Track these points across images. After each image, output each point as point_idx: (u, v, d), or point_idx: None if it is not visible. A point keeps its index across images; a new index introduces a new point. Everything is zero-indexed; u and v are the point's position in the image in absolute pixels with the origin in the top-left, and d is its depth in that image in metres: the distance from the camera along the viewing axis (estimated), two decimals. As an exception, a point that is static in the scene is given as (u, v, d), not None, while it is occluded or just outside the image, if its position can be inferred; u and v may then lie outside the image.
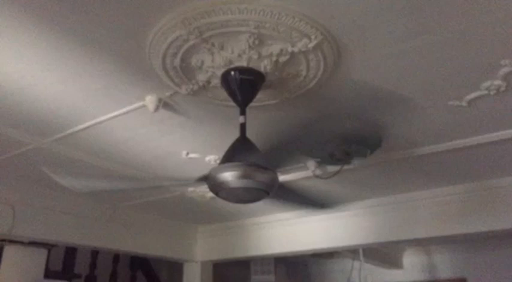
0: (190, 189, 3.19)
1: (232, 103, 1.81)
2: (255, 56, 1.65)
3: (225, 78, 1.73)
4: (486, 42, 1.62)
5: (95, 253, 4.68)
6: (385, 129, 2.29)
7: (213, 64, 1.70)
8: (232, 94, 1.78)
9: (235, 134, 1.78)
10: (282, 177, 2.66)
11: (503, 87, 1.88)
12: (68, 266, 4.31)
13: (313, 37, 1.56)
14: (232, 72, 1.70)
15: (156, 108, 2.00)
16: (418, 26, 1.53)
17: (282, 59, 1.66)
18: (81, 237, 3.43)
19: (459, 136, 2.39)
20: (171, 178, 2.86)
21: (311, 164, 2.63)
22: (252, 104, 1.81)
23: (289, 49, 1.62)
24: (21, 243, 3.51)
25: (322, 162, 2.58)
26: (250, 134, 1.77)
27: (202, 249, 4.42)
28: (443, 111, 2.11)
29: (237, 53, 1.64)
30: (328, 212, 3.64)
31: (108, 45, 1.63)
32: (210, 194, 2.46)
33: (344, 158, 2.37)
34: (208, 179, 1.66)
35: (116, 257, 4.96)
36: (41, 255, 3.90)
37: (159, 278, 5.41)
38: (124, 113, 2.13)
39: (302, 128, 2.22)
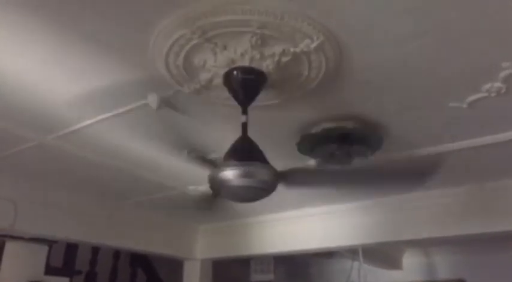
0: (192, 187, 3.20)
1: (234, 103, 1.82)
2: (258, 56, 1.66)
3: (228, 77, 1.74)
4: (487, 44, 1.63)
5: (95, 250, 4.69)
6: (386, 130, 2.30)
7: (216, 63, 1.71)
8: (234, 94, 1.79)
9: (237, 134, 1.79)
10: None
11: (504, 89, 1.89)
12: (69, 263, 4.33)
13: (315, 38, 1.57)
14: (235, 72, 1.71)
15: (159, 107, 2.01)
16: (419, 27, 1.54)
17: (284, 59, 1.67)
18: (82, 234, 3.44)
19: (459, 138, 2.40)
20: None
21: (311, 163, 2.63)
22: (253, 104, 1.82)
23: (292, 49, 1.63)
24: (23, 239, 3.54)
25: (322, 162, 2.58)
26: (251, 134, 1.79)
27: (202, 247, 4.43)
28: (444, 112, 2.12)
29: (240, 53, 1.64)
30: (327, 212, 3.65)
31: (111, 43, 1.65)
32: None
33: (345, 158, 2.37)
34: (209, 178, 1.67)
35: (117, 254, 4.98)
36: (42, 251, 3.92)
37: (159, 275, 5.43)
38: (126, 111, 2.14)
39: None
